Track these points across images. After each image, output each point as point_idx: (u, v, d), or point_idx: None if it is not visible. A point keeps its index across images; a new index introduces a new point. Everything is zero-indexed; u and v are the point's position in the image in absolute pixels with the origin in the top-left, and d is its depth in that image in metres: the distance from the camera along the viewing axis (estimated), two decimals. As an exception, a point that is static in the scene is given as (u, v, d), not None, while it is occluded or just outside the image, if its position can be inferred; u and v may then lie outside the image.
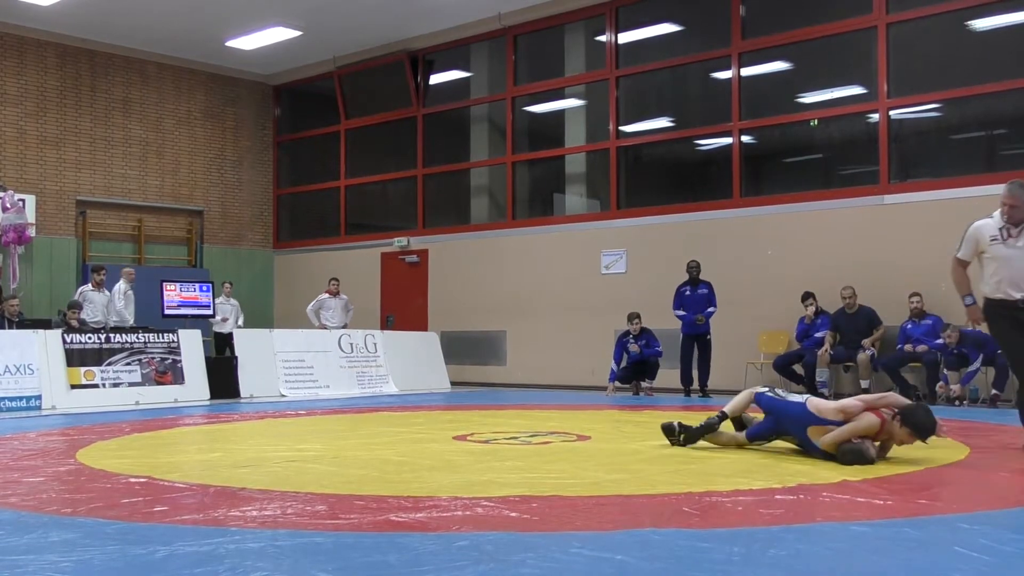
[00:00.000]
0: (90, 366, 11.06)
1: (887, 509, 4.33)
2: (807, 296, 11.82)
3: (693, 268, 12.25)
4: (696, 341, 12.21)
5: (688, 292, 12.27)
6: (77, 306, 12.29)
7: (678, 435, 6.55)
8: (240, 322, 15.15)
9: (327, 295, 14.90)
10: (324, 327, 14.41)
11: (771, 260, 12.78)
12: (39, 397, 10.53)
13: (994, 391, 10.37)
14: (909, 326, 11.23)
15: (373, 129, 18.10)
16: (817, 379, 11.37)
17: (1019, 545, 3.57)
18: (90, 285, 13.06)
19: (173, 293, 14.16)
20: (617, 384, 12.80)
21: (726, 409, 6.46)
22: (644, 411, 9.93)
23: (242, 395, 12.19)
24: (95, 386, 11.03)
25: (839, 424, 5.73)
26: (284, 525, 4.01)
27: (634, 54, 14.66)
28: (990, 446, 6.77)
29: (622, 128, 14.72)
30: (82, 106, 16.78)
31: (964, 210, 11.31)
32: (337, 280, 15.15)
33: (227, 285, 15.57)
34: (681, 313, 12.21)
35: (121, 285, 13.25)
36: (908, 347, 11.09)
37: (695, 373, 12.26)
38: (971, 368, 10.31)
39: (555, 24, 15.32)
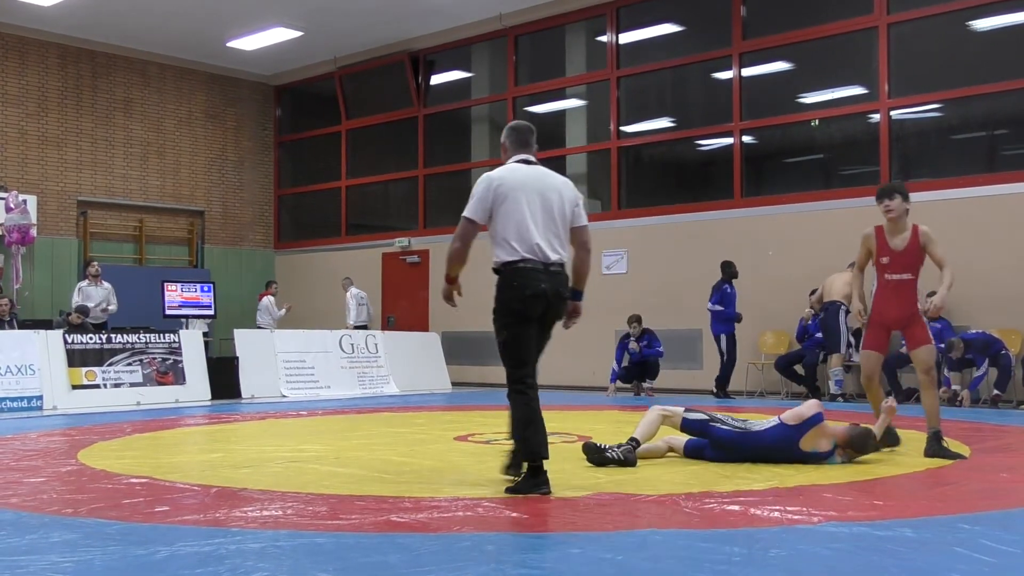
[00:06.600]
0: (91, 366, 11.07)
1: (887, 509, 4.33)
2: (815, 291, 11.82)
3: (733, 267, 12.27)
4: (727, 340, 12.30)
5: (729, 289, 12.25)
6: (84, 311, 12.31)
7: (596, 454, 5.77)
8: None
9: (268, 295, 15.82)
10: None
11: (772, 260, 12.78)
12: (40, 397, 10.54)
13: (995, 391, 10.36)
14: None
15: (374, 129, 18.10)
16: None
17: (1019, 546, 3.57)
18: (87, 280, 13.07)
19: (174, 293, 14.18)
20: (618, 384, 12.80)
21: (637, 436, 5.92)
22: (645, 411, 9.90)
23: (243, 396, 12.20)
24: (96, 386, 11.04)
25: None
26: (285, 525, 4.02)
27: (635, 54, 14.66)
28: (991, 447, 6.77)
29: (623, 128, 14.71)
30: (83, 106, 16.79)
31: (965, 210, 11.39)
32: (270, 283, 15.90)
33: None
34: (719, 308, 12.18)
35: (353, 290, 15.69)
36: (904, 350, 11.04)
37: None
38: (977, 374, 10.30)
39: (556, 24, 15.31)
